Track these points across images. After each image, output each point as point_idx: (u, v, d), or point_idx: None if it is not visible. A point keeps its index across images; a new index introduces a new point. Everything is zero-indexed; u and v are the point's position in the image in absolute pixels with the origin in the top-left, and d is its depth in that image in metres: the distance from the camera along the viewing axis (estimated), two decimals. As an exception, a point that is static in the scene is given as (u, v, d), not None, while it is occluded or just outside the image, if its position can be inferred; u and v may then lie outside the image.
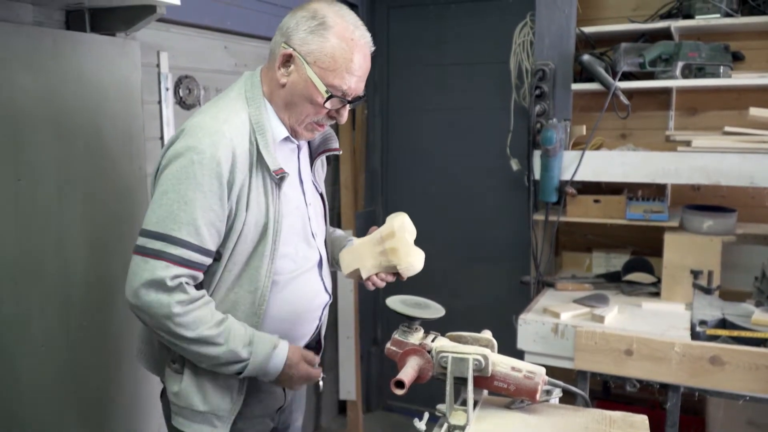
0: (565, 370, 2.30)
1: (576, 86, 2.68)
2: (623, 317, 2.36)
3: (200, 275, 1.41)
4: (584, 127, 2.76)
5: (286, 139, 1.50)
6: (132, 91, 2.01)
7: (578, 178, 2.62)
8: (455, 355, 1.23)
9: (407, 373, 1.21)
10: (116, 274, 1.95)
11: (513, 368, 1.26)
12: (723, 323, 2.17)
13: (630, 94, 2.75)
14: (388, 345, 1.30)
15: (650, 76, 2.61)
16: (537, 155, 2.69)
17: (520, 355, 2.30)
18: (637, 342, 2.11)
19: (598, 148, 2.84)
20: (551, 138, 2.56)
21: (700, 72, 2.49)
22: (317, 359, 1.58)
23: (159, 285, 1.34)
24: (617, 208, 2.66)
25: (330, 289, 1.65)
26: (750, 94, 2.68)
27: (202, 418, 1.48)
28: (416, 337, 1.30)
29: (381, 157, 3.62)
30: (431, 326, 1.34)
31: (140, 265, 1.35)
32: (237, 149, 1.38)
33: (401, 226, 1.57)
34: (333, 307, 3.51)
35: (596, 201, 2.70)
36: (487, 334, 1.36)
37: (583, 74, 2.72)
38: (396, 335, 1.30)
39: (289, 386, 1.54)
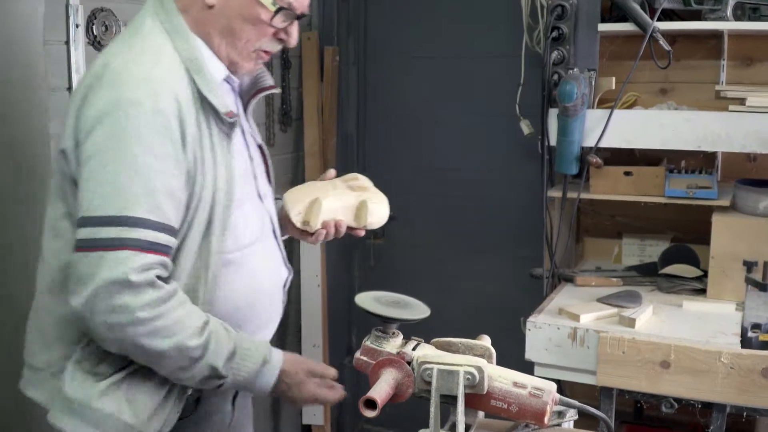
0: (586, 387, 2.32)
1: (604, 27, 2.68)
2: (659, 320, 2.38)
3: (170, 263, 1.38)
4: (613, 79, 2.76)
5: (224, 80, 1.53)
6: (31, 28, 1.97)
7: (605, 144, 2.63)
8: (442, 367, 1.24)
9: (381, 389, 1.22)
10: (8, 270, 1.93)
11: (515, 384, 1.26)
12: (781, 327, 2.20)
13: (672, 37, 2.74)
14: (357, 354, 1.31)
15: (697, 15, 2.60)
16: (553, 115, 2.69)
17: (528, 367, 2.32)
18: (675, 351, 2.13)
19: (630, 106, 2.84)
20: (572, 93, 2.57)
21: (755, 13, 2.50)
22: (331, 371, 1.57)
23: (123, 283, 1.29)
24: (654, 183, 2.67)
25: (287, 262, 1.69)
26: (817, 40, 2.70)
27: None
28: (393, 345, 1.30)
29: (356, 118, 3.60)
30: (413, 330, 1.34)
31: (93, 262, 1.29)
32: (180, 95, 1.38)
33: (363, 177, 1.78)
34: (296, 309, 3.51)
35: (627, 173, 2.70)
36: (484, 340, 1.37)
37: (614, 11, 2.71)
38: (367, 342, 1.31)
39: (292, 404, 1.57)
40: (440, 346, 1.35)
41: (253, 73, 1.60)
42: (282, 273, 1.67)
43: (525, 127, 3.09)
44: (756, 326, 2.20)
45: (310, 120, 3.42)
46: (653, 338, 2.19)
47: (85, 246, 1.31)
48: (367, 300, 1.33)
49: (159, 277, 1.34)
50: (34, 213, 1.79)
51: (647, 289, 2.66)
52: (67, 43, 2.18)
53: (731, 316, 2.41)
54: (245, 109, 1.65)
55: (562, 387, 2.51)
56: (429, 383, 1.24)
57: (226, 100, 1.49)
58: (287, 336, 3.51)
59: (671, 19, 2.67)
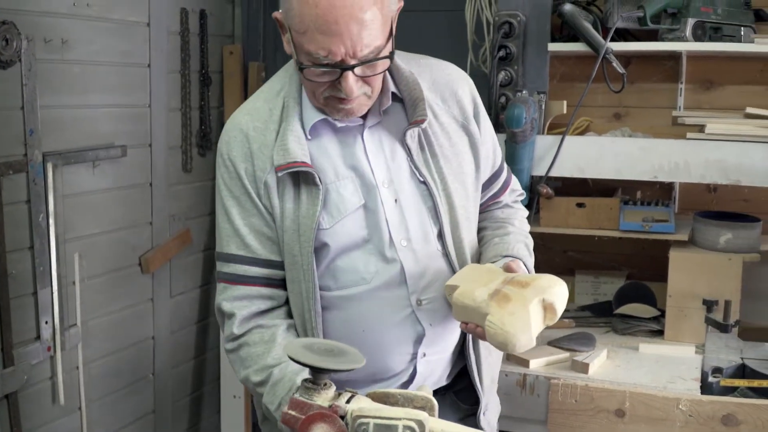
0: (536, 439, 2.37)
1: (554, 47, 2.77)
2: (614, 365, 2.46)
3: (269, 291, 1.69)
4: (564, 103, 2.84)
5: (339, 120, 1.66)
6: None
7: (556, 173, 2.71)
8: (379, 421, 1.26)
9: (312, 447, 1.23)
10: None
11: (459, 438, 1.30)
12: (742, 370, 2.29)
13: (627, 59, 2.86)
14: (284, 408, 1.32)
15: (653, 35, 2.72)
16: (500, 141, 2.73)
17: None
18: (631, 399, 2.21)
19: (583, 132, 2.94)
20: (520, 118, 2.61)
21: (715, 33, 2.62)
22: None
23: (219, 311, 1.70)
24: (608, 216, 2.76)
25: (432, 321, 1.72)
26: (778, 65, 2.84)
27: None
28: (325, 397, 1.32)
29: (284, 140, 3.62)
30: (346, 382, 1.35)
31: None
32: (254, 144, 1.65)
33: (549, 287, 1.56)
34: (214, 355, 3.50)
35: (580, 205, 2.79)
36: (424, 391, 1.40)
37: (565, 30, 2.81)
38: (296, 395, 1.32)
39: None
40: (377, 398, 1.37)
41: (347, 118, 1.66)
42: (410, 329, 1.71)
43: (470, 153, 3.12)
44: (717, 370, 2.30)
45: (233, 143, 3.42)
46: (607, 385, 2.27)
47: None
48: (295, 348, 1.33)
49: (251, 308, 1.67)
50: None
51: (601, 331, 2.74)
52: (-38, 59, 2.18)
53: (690, 359, 2.50)
54: (402, 141, 1.71)
55: (510, 440, 2.56)
56: (365, 439, 1.26)
57: (295, 151, 1.62)
58: (204, 386, 3.49)
59: (626, 40, 2.79)
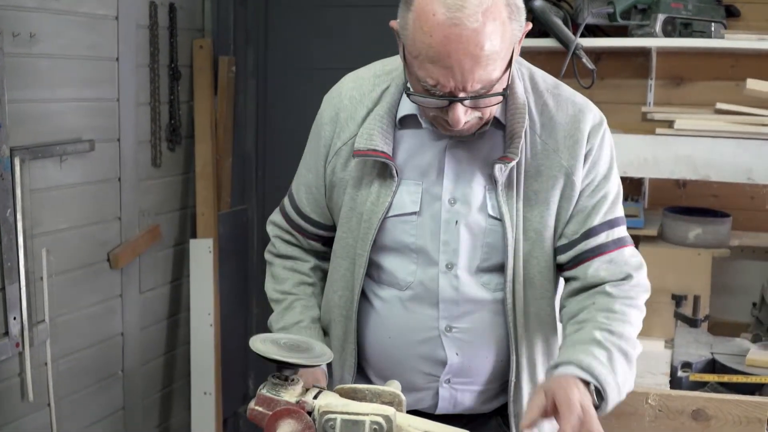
0: (506, 434, 2.37)
1: (524, 42, 2.71)
2: (584, 359, 2.46)
3: (300, 237, 1.79)
4: (535, 98, 2.85)
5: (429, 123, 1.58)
6: None
7: (527, 168, 2.71)
8: (346, 417, 1.25)
9: (278, 443, 1.22)
10: None
11: (428, 435, 1.29)
12: (712, 365, 2.31)
13: (596, 54, 2.87)
14: (251, 404, 1.30)
15: (623, 31, 2.73)
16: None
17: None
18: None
19: (553, 127, 2.95)
20: (491, 113, 2.63)
21: (686, 29, 2.64)
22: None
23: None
24: (578, 211, 2.77)
25: (460, 351, 1.63)
26: (748, 60, 2.87)
27: None
28: (292, 393, 1.31)
29: (255, 135, 3.61)
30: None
31: None
32: (343, 113, 1.66)
33: None
34: (184, 351, 3.48)
35: (551, 200, 2.80)
36: (393, 386, 1.39)
37: (535, 26, 2.81)
38: (263, 390, 1.31)
39: None
40: (345, 394, 1.35)
41: (456, 133, 1.52)
42: (435, 353, 1.63)
43: (441, 148, 3.14)
44: (686, 365, 2.31)
45: (202, 137, 3.40)
46: (578, 379, 2.27)
47: None
48: (262, 343, 1.32)
49: (282, 237, 1.81)
50: None
51: (572, 326, 2.74)
52: None
53: (660, 354, 2.51)
54: (490, 172, 1.57)
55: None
56: (332, 435, 1.25)
57: (378, 139, 1.58)
58: (173, 382, 3.46)
59: (596, 35, 2.80)
